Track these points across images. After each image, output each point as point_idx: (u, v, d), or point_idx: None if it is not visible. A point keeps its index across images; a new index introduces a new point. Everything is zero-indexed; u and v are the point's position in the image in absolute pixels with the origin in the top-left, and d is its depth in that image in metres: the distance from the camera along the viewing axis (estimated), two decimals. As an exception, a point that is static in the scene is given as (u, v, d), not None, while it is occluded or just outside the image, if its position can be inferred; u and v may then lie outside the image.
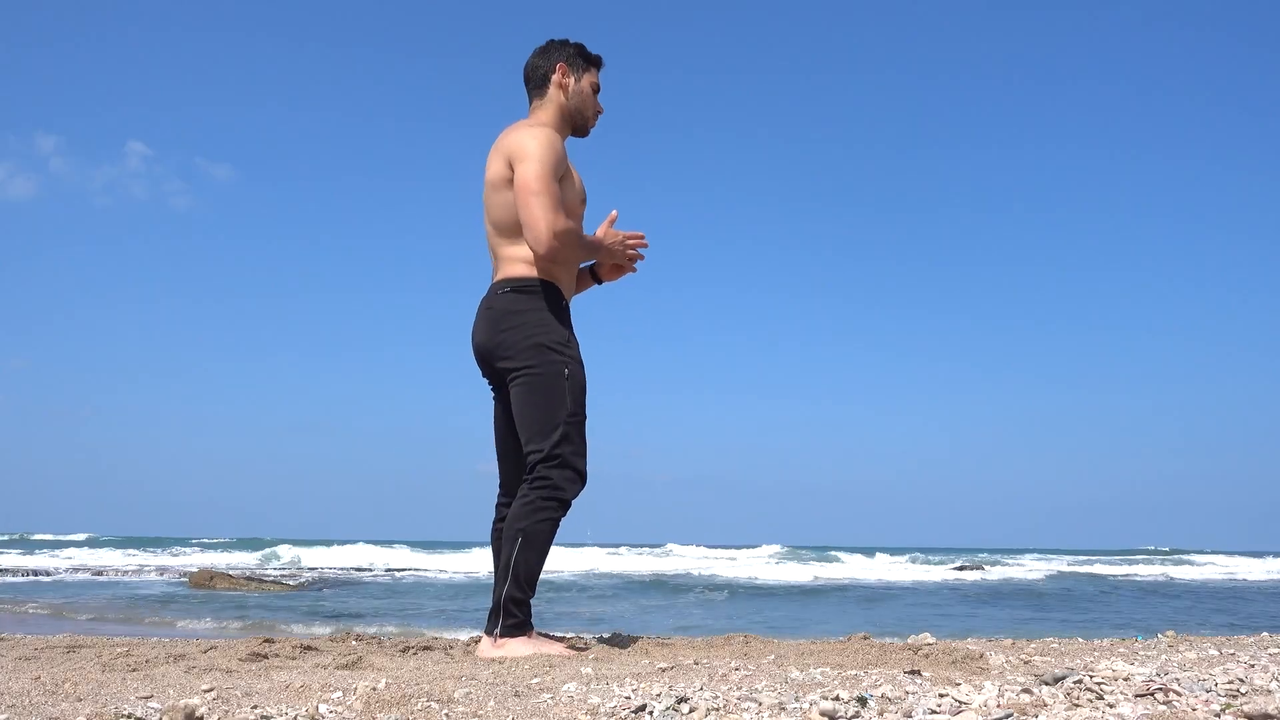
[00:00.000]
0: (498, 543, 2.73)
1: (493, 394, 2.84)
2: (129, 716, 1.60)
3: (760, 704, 1.67)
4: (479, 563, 18.47)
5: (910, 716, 1.59)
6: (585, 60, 2.85)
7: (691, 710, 1.65)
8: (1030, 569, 21.83)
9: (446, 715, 1.65)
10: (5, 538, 32.00)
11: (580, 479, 2.65)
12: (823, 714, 1.58)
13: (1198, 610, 9.53)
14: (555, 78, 2.81)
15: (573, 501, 2.65)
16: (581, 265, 2.86)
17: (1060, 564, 25.86)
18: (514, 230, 2.69)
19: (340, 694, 1.81)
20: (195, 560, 19.85)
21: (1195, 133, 42.76)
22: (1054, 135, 45.16)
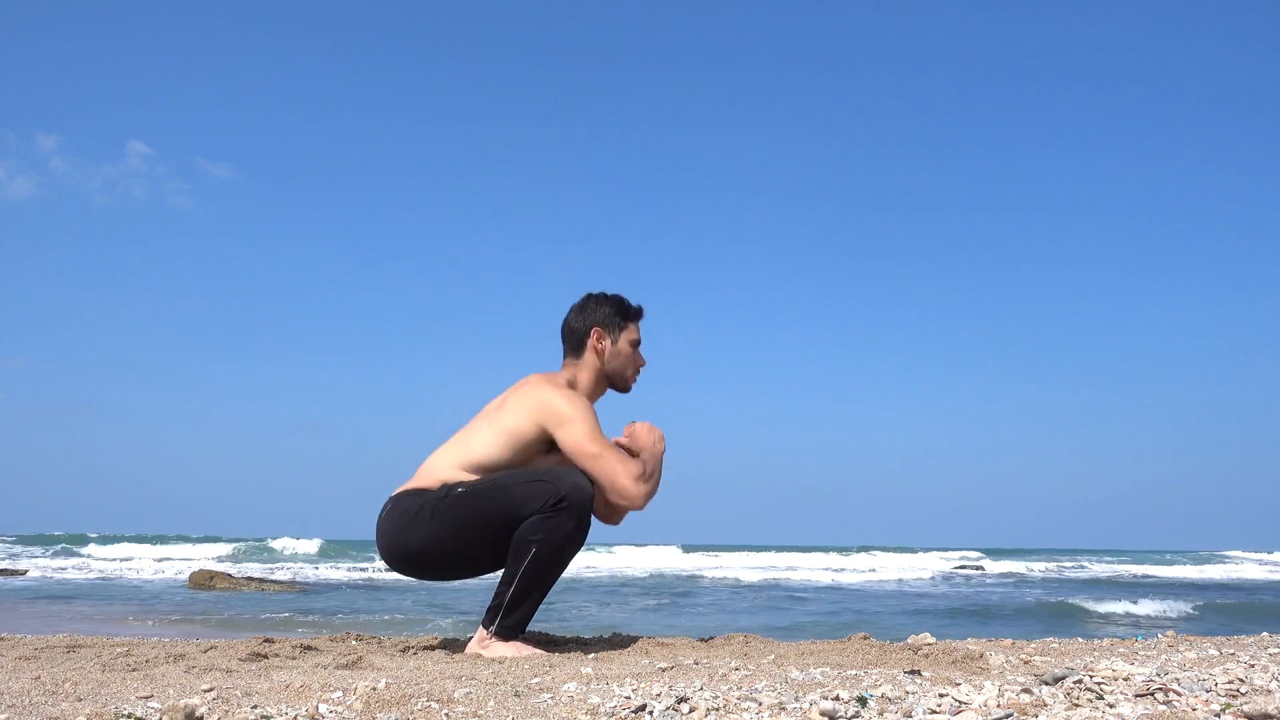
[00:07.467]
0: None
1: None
2: (129, 716, 1.60)
3: (760, 704, 1.67)
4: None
5: (910, 716, 1.59)
6: (623, 317, 2.81)
7: (691, 710, 1.65)
8: (1031, 570, 21.84)
9: (446, 715, 1.65)
10: (4, 538, 32.02)
11: (587, 499, 2.53)
12: (823, 714, 1.58)
13: (1198, 609, 9.53)
14: (590, 341, 2.78)
15: (592, 513, 2.56)
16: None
17: (1061, 564, 25.88)
18: (463, 460, 2.64)
19: (340, 694, 1.81)
20: (195, 559, 19.85)
21: (1195, 133, 42.76)
22: (1054, 135, 45.16)
